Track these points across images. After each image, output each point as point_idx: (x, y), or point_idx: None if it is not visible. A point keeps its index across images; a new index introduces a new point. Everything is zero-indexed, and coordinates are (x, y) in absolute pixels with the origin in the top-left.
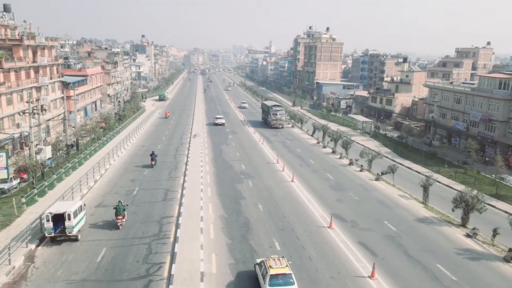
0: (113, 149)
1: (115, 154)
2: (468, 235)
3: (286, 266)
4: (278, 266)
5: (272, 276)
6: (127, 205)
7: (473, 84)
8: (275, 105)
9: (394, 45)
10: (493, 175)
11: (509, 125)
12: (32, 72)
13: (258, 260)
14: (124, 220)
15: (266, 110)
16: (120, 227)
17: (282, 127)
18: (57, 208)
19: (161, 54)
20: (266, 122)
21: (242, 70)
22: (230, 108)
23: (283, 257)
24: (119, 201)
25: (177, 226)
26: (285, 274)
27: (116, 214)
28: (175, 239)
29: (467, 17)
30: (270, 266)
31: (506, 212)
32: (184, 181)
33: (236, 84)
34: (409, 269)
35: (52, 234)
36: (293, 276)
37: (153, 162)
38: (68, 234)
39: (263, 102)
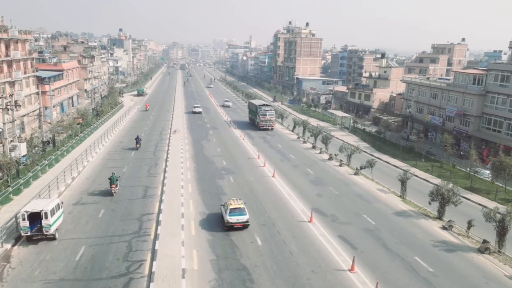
0: (91, 145)
1: (93, 150)
2: (444, 228)
3: (241, 203)
4: (235, 203)
5: (231, 209)
6: (119, 176)
7: (448, 79)
8: (263, 105)
9: (372, 40)
10: (468, 169)
11: (483, 119)
12: (5, 66)
13: (222, 203)
14: (117, 188)
15: (253, 110)
16: (114, 194)
17: (272, 129)
18: (33, 207)
19: (139, 48)
20: (253, 123)
21: (222, 65)
22: (211, 105)
23: (240, 198)
24: (113, 173)
25: (158, 223)
26: (240, 208)
27: (110, 184)
28: (156, 236)
29: (443, 15)
30: (230, 204)
31: (480, 204)
32: (164, 177)
33: (217, 80)
34: (388, 261)
35: (29, 233)
36: (245, 209)
37: (137, 146)
38: (45, 233)
39: (250, 101)
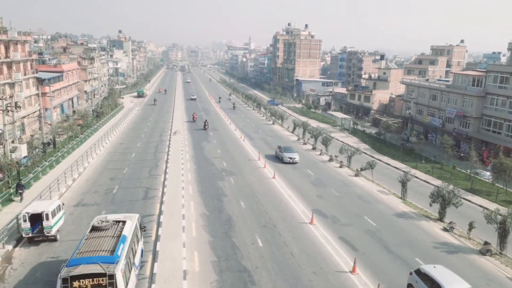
0: (91, 147)
1: (94, 152)
2: (445, 229)
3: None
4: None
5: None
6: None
7: (448, 81)
8: None
9: (371, 42)
10: (468, 170)
11: (483, 121)
12: (4, 68)
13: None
14: (157, 102)
15: None
16: (155, 105)
17: None
18: (35, 208)
19: (139, 50)
20: None
21: (222, 66)
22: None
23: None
24: (154, 98)
25: (159, 224)
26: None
27: (154, 101)
28: (157, 237)
29: (442, 16)
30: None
31: (480, 206)
32: (165, 179)
33: (216, 81)
34: (389, 263)
35: (30, 235)
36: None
37: (155, 103)
38: (47, 234)
39: None
